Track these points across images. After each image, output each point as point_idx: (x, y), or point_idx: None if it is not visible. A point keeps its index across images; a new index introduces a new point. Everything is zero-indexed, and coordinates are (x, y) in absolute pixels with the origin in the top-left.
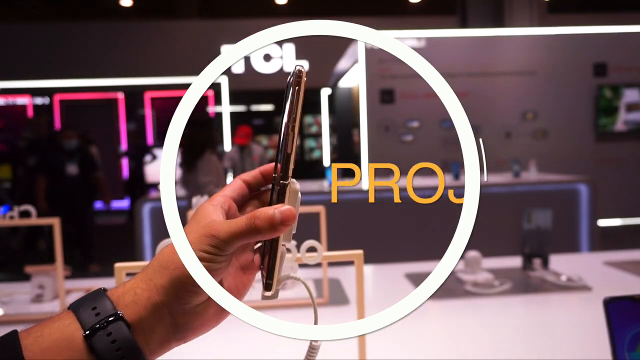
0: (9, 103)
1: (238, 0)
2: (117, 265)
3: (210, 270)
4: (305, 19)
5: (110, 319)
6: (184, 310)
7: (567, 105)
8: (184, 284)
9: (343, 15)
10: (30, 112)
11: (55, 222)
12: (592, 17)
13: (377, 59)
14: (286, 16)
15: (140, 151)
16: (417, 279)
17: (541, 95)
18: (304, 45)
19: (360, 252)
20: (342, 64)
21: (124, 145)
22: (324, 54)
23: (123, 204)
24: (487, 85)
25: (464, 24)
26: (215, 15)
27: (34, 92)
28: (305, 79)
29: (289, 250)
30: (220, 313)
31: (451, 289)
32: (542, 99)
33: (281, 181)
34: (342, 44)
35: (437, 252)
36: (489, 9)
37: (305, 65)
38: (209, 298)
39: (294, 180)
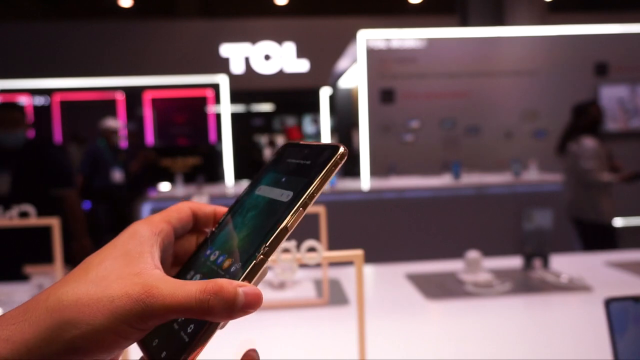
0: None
1: (238, 0)
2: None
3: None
4: (305, 19)
5: None
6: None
7: (567, 105)
8: (64, 331)
9: (343, 15)
10: (30, 112)
11: (54, 222)
12: (593, 16)
13: (377, 58)
14: (286, 16)
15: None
16: (417, 279)
17: (541, 95)
18: (304, 45)
19: (360, 252)
20: (342, 64)
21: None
22: (324, 54)
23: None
24: (487, 85)
25: (464, 23)
26: (215, 15)
27: (33, 92)
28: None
29: (287, 251)
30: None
31: (451, 289)
32: (542, 98)
33: (261, 255)
34: (342, 44)
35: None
36: (489, 8)
37: (305, 65)
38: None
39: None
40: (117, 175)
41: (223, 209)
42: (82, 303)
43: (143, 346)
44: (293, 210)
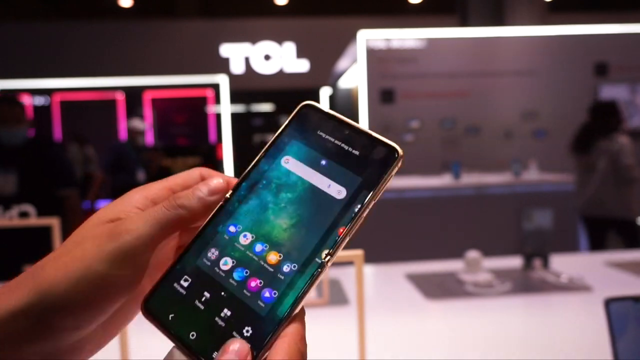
0: None
1: (238, 0)
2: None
3: (106, 289)
4: (305, 19)
5: None
6: (36, 333)
7: (567, 105)
8: (44, 305)
9: (343, 15)
10: (30, 112)
11: (54, 222)
12: (593, 16)
13: (377, 58)
14: (286, 16)
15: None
16: (417, 279)
17: (541, 95)
18: (304, 45)
19: (360, 252)
20: (342, 64)
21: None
22: (324, 54)
23: None
24: (487, 85)
25: (464, 23)
26: (215, 15)
27: (33, 92)
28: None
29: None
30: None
31: (451, 289)
32: (542, 99)
33: (326, 263)
34: (342, 44)
35: (437, 252)
36: (489, 8)
37: (305, 65)
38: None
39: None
40: (141, 175)
41: (235, 181)
42: (59, 263)
43: (186, 348)
44: (353, 216)
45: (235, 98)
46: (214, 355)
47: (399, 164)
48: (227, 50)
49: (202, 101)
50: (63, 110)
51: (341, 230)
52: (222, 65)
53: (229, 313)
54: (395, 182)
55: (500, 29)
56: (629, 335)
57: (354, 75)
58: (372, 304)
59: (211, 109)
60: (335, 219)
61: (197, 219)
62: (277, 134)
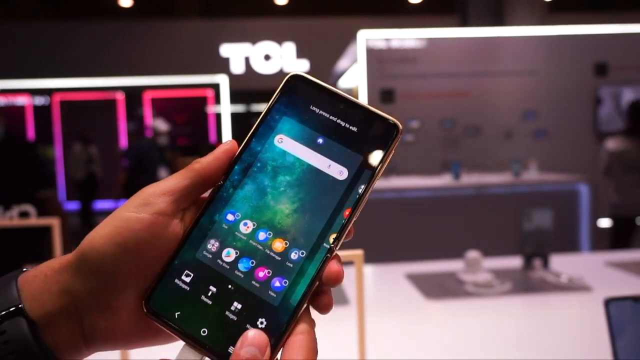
0: (8, 103)
1: (238, 0)
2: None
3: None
4: (305, 19)
5: (4, 313)
6: (92, 301)
7: (567, 105)
8: (87, 259)
9: (343, 15)
10: (30, 112)
11: (54, 222)
12: (593, 16)
13: (377, 58)
14: (286, 16)
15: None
16: (417, 279)
17: (541, 95)
18: (304, 45)
19: (360, 252)
20: (342, 64)
21: (123, 145)
22: (324, 54)
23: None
24: (487, 85)
25: (464, 23)
26: (215, 15)
27: (33, 92)
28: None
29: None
30: (141, 321)
31: (451, 289)
32: (542, 99)
33: (334, 247)
34: (342, 44)
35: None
36: (489, 8)
37: (305, 65)
38: (126, 294)
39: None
40: (163, 173)
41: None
42: (95, 230)
43: (200, 346)
44: (358, 197)
45: (235, 98)
46: (229, 350)
47: (399, 139)
48: (227, 50)
49: (202, 101)
50: (63, 110)
51: (347, 212)
52: (222, 65)
53: (239, 306)
54: (395, 182)
55: (500, 29)
56: (629, 335)
57: (354, 75)
58: (372, 304)
59: (211, 109)
60: (339, 202)
61: (210, 172)
62: (265, 110)
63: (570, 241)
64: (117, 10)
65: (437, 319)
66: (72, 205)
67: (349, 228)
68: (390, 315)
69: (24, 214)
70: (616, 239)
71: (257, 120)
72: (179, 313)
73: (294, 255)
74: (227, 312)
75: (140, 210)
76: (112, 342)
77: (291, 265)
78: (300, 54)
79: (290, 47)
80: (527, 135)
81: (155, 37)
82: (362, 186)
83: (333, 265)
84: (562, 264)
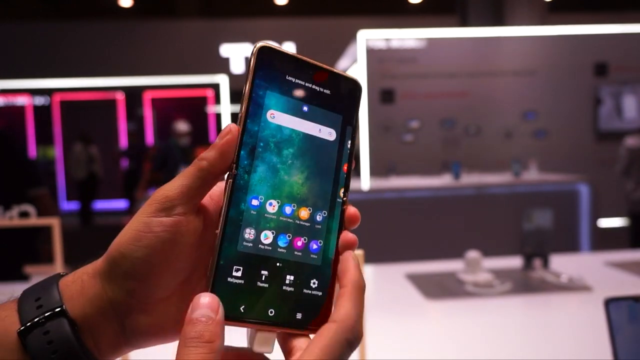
0: (8, 103)
1: (238, 0)
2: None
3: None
4: (305, 19)
5: (48, 314)
6: (130, 302)
7: (567, 105)
8: (118, 264)
9: (343, 15)
10: (30, 112)
11: (54, 222)
12: (593, 16)
13: (377, 58)
14: (286, 16)
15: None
16: (417, 279)
17: (541, 95)
18: (304, 45)
19: (360, 252)
20: (342, 64)
21: (123, 145)
22: (324, 54)
23: (122, 204)
24: (487, 85)
25: (464, 23)
26: (215, 15)
27: (33, 92)
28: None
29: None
30: (178, 314)
31: (451, 289)
32: (542, 99)
33: (344, 199)
34: (342, 44)
35: (437, 252)
36: (489, 8)
37: None
38: (161, 291)
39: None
40: None
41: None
42: (120, 235)
43: (265, 323)
44: (349, 152)
45: (235, 98)
46: (297, 316)
47: (361, 94)
48: (227, 50)
49: (202, 101)
50: (63, 110)
51: (345, 167)
52: (222, 65)
53: (292, 277)
54: (395, 182)
55: (500, 29)
56: (629, 335)
57: (354, 75)
58: (372, 304)
59: (211, 109)
60: (337, 160)
61: (218, 167)
62: (248, 87)
63: (570, 241)
64: (117, 10)
65: (437, 319)
66: (72, 205)
67: (349, 180)
68: (390, 315)
69: (24, 214)
70: (637, 236)
71: (244, 100)
72: (243, 307)
73: (318, 218)
74: (284, 287)
75: (158, 214)
76: (151, 338)
77: (319, 227)
78: (300, 54)
79: (290, 47)
80: (527, 135)
81: (155, 37)
82: (349, 142)
83: (349, 211)
84: (562, 264)
